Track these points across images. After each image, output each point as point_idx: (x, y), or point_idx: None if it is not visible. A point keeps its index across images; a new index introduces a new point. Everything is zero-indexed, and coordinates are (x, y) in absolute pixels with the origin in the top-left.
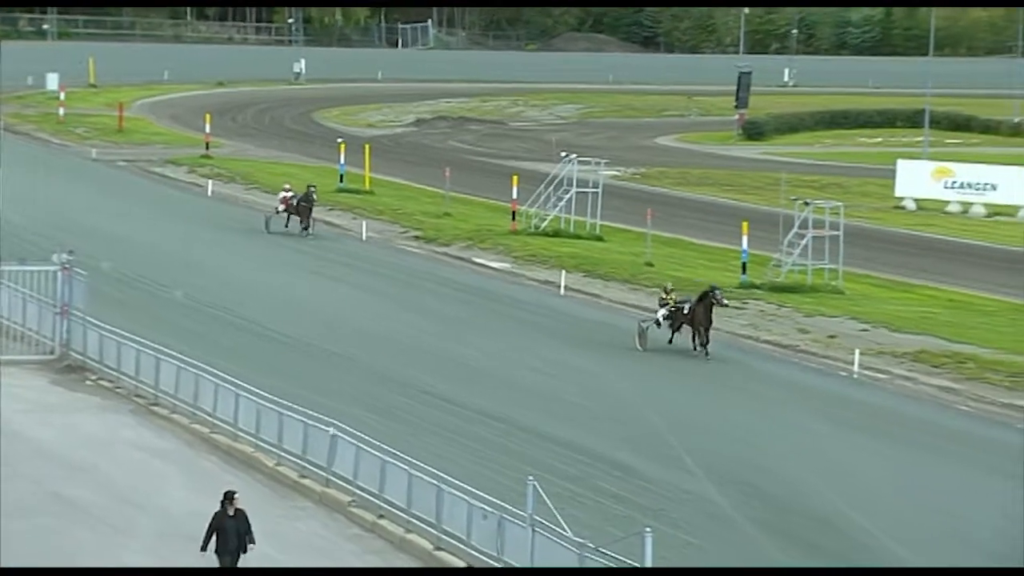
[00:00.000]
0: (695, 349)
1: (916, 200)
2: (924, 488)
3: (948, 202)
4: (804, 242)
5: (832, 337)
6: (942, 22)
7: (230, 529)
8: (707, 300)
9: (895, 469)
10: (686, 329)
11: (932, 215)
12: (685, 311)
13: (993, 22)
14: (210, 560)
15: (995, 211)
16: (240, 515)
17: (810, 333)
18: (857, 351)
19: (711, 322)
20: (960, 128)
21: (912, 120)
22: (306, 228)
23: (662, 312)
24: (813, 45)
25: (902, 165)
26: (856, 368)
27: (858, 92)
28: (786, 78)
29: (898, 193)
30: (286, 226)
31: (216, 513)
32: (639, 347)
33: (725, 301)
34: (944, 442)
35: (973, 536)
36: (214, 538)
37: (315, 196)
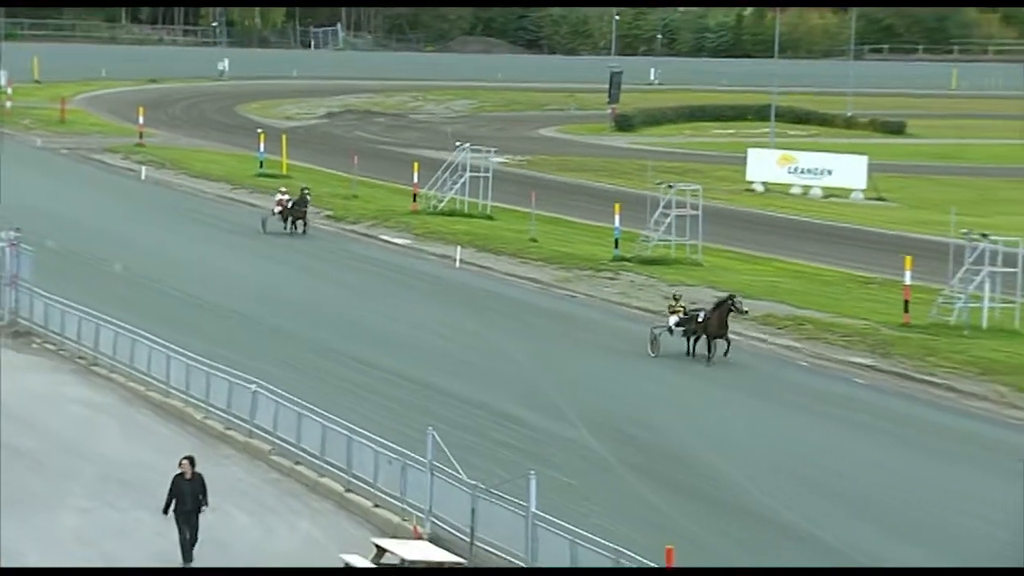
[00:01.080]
0: (710, 359)
1: (764, 183)
2: (770, 432)
3: (791, 185)
4: (668, 220)
5: (693, 303)
6: (785, 28)
7: (187, 492)
8: (724, 307)
9: (747, 417)
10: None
11: (778, 196)
12: (700, 319)
13: (827, 28)
14: (170, 521)
15: (831, 193)
16: (196, 479)
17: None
18: None
19: (727, 328)
20: (801, 121)
21: (760, 114)
22: (302, 229)
23: (673, 320)
24: (675, 48)
25: (752, 153)
26: None
27: (714, 90)
28: (652, 77)
29: (748, 177)
30: (284, 228)
31: (174, 478)
32: (651, 353)
33: (745, 308)
34: (787, 393)
35: (807, 471)
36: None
37: (309, 198)
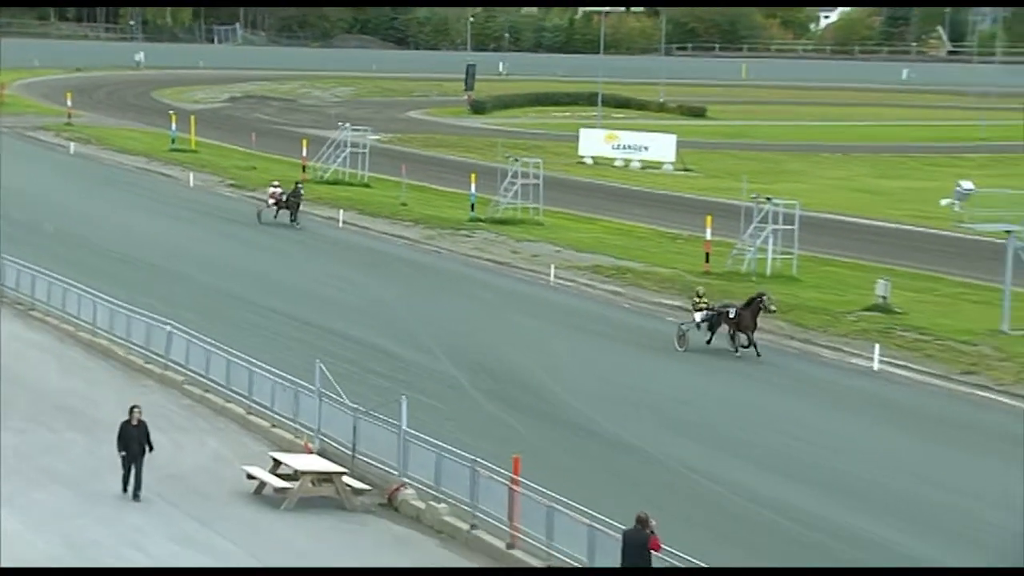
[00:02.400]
0: (736, 351)
1: (593, 158)
2: (598, 361)
3: (615, 159)
4: (515, 188)
5: (535, 256)
6: (609, 29)
7: (133, 436)
8: (755, 305)
9: (578, 349)
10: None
11: (604, 168)
12: (731, 315)
13: (643, 29)
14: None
15: (648, 165)
16: (142, 425)
17: (519, 254)
18: (553, 266)
19: (756, 326)
20: (623, 106)
21: (590, 100)
22: (294, 220)
23: (699, 316)
24: (519, 44)
25: (583, 132)
26: (552, 278)
27: (551, 79)
28: (501, 69)
29: (580, 153)
30: (275, 217)
31: (123, 423)
32: (678, 348)
33: (773, 307)
34: (612, 330)
35: (627, 393)
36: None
37: (303, 192)
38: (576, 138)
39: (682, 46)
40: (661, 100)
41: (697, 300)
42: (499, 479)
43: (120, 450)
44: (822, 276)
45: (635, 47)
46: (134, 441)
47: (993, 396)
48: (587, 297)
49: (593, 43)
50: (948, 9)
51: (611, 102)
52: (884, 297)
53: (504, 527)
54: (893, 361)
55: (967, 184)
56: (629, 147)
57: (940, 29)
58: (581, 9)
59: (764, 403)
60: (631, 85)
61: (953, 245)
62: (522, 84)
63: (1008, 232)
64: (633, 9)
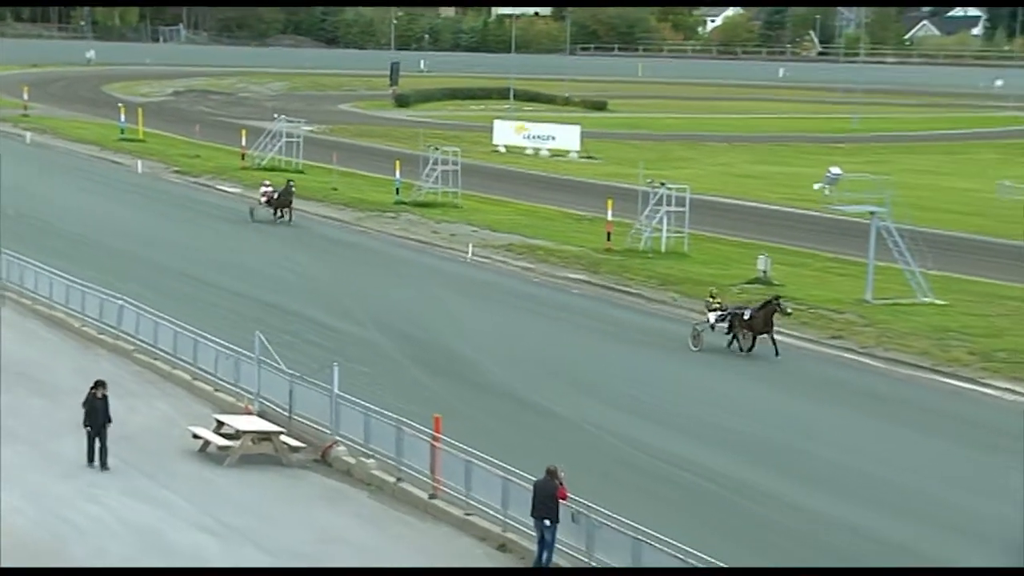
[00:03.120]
0: (747, 351)
1: (505, 146)
2: (513, 331)
3: (526, 148)
4: (435, 174)
5: (454, 235)
6: (519, 31)
7: (99, 409)
8: (770, 307)
9: (494, 319)
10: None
11: (516, 156)
12: (745, 317)
13: (549, 31)
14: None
15: (555, 153)
16: (105, 399)
17: (440, 233)
18: (470, 244)
19: (772, 326)
20: (532, 100)
21: (502, 94)
22: (284, 217)
23: (714, 316)
24: (438, 44)
25: (496, 124)
26: (470, 255)
27: (467, 75)
28: (422, 66)
29: (494, 142)
30: (274, 215)
31: (88, 396)
32: (693, 348)
33: (789, 310)
34: (524, 302)
35: (538, 358)
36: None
37: (294, 189)
38: (490, 129)
39: (585, 46)
40: (566, 95)
41: (711, 300)
42: (422, 437)
43: (85, 424)
44: (710, 252)
45: (543, 47)
46: (100, 413)
47: (856, 357)
48: (502, 272)
49: (505, 43)
50: (819, 15)
51: (522, 96)
52: (764, 271)
53: (427, 479)
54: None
55: (836, 170)
56: (538, 137)
57: (812, 33)
58: (495, 12)
59: (660, 367)
60: (539, 81)
61: (824, 225)
62: (441, 80)
63: (871, 213)
64: (541, 13)
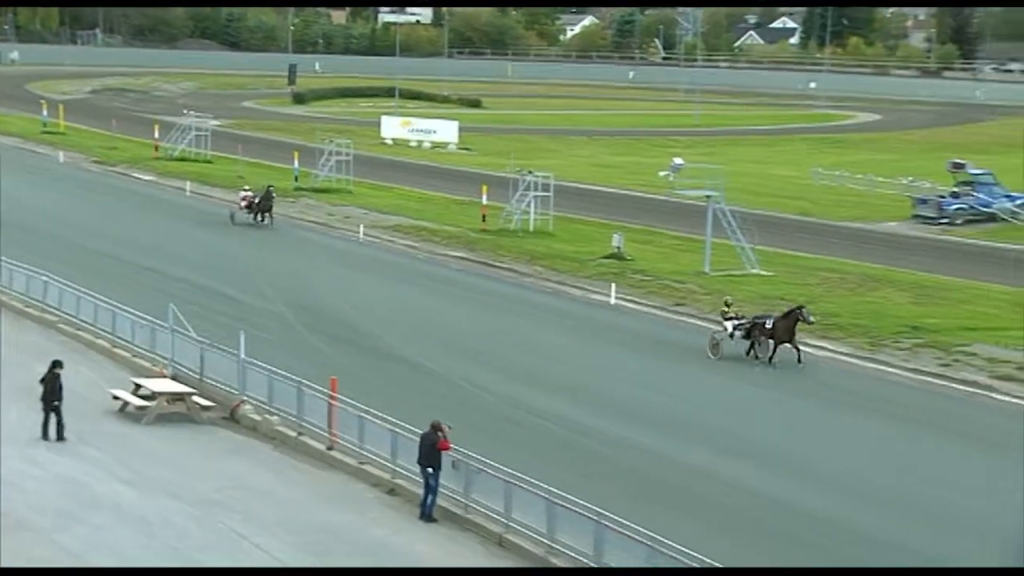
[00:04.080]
0: (766, 359)
1: (392, 139)
2: (401, 302)
3: (410, 140)
4: (330, 163)
5: (347, 217)
6: (403, 36)
7: (55, 389)
8: (793, 316)
9: (384, 291)
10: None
11: (402, 148)
12: (767, 325)
13: (430, 37)
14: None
15: (436, 145)
16: (58, 378)
17: (335, 216)
18: (362, 225)
19: (794, 335)
20: (415, 98)
21: (389, 92)
22: (264, 221)
23: (731, 324)
24: (332, 48)
25: (384, 119)
26: (362, 235)
27: (358, 76)
28: (317, 68)
29: (382, 135)
30: (255, 220)
31: (46, 375)
32: (711, 356)
33: (812, 319)
34: (415, 277)
35: (424, 327)
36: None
37: (274, 194)
38: (378, 123)
39: (460, 50)
40: (445, 93)
41: (726, 310)
42: (320, 396)
43: (42, 400)
44: (572, 232)
45: (424, 51)
46: (56, 392)
47: (696, 322)
48: (390, 250)
49: (391, 47)
50: (662, 25)
51: (406, 94)
52: (618, 247)
53: (325, 433)
54: (625, 297)
55: (678, 160)
56: (421, 131)
57: (656, 40)
58: (381, 19)
59: (527, 332)
60: (421, 81)
61: (669, 207)
62: (334, 80)
63: (708, 197)
64: (421, 21)
